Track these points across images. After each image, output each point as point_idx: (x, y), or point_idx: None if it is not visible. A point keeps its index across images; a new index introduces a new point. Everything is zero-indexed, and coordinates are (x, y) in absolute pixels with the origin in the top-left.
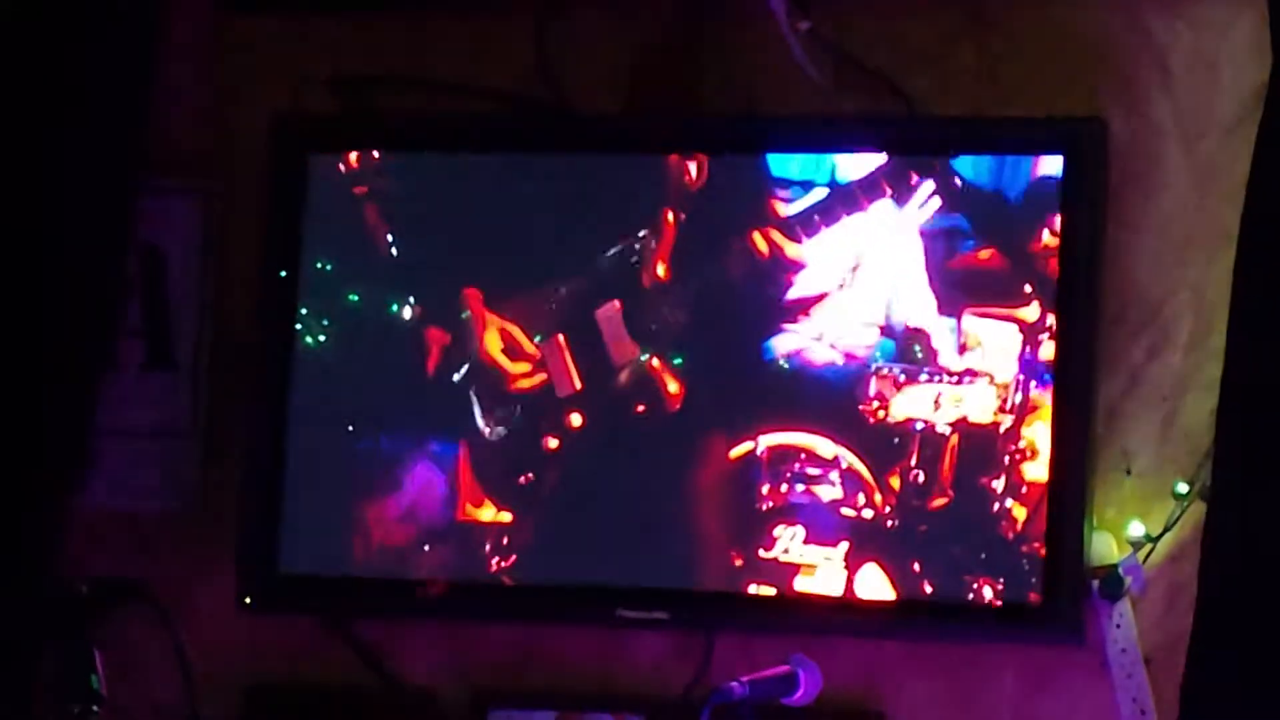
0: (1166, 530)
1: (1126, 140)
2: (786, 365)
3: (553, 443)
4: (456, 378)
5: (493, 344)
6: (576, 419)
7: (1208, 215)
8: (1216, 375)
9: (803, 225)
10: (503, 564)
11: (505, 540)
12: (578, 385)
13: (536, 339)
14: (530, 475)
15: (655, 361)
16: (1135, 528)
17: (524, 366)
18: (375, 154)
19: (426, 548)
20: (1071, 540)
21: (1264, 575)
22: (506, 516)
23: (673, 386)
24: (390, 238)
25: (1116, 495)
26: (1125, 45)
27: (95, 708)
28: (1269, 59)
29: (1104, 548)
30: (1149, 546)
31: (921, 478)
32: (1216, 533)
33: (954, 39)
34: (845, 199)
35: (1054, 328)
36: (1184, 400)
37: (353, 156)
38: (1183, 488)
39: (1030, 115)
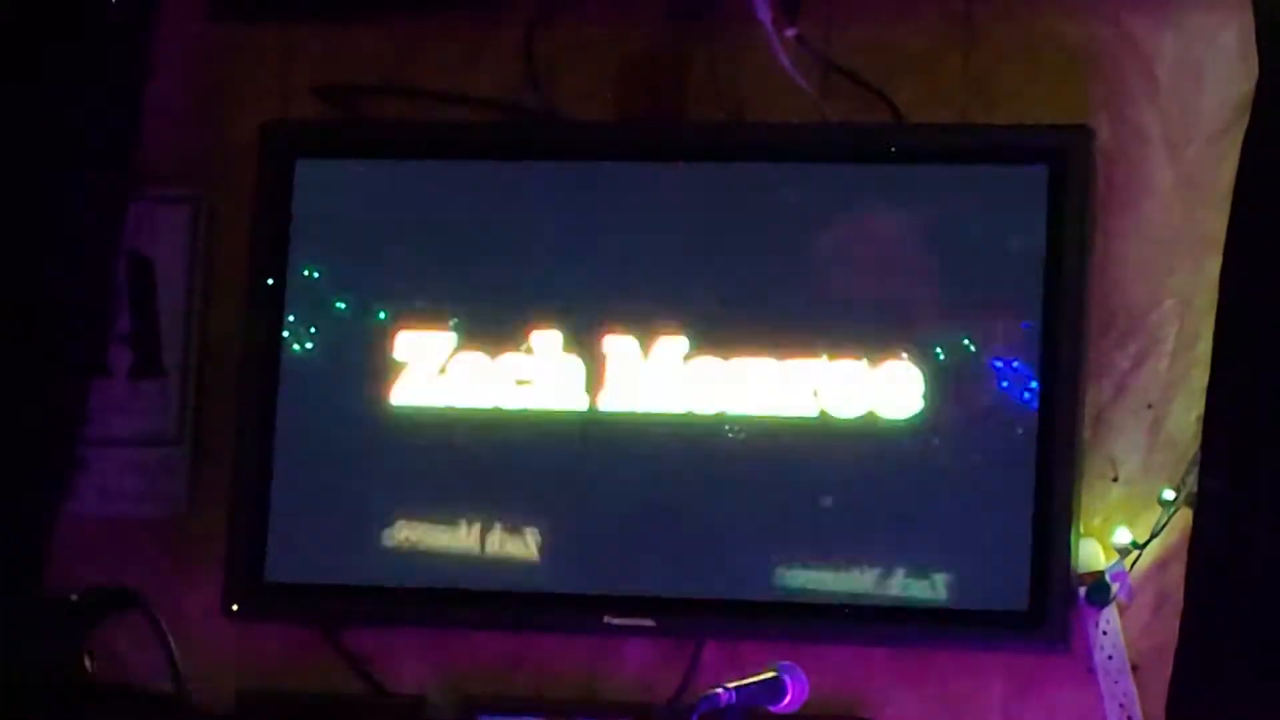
0: (1153, 537)
1: (1113, 148)
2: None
3: (541, 448)
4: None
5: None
6: (566, 424)
7: (1194, 222)
8: (1203, 382)
9: None
10: (492, 570)
11: (494, 547)
12: (570, 400)
13: (522, 348)
14: (518, 481)
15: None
16: (1122, 534)
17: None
18: (363, 162)
19: (411, 547)
20: (1058, 547)
21: (1250, 581)
22: (495, 522)
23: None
24: (378, 245)
25: (1103, 502)
26: (1112, 54)
27: None
28: (1255, 67)
29: (1091, 555)
30: (1135, 553)
31: (915, 474)
32: (1203, 539)
33: (941, 47)
34: None
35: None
36: (1170, 407)
37: (340, 164)
38: (1169, 494)
39: (1017, 123)
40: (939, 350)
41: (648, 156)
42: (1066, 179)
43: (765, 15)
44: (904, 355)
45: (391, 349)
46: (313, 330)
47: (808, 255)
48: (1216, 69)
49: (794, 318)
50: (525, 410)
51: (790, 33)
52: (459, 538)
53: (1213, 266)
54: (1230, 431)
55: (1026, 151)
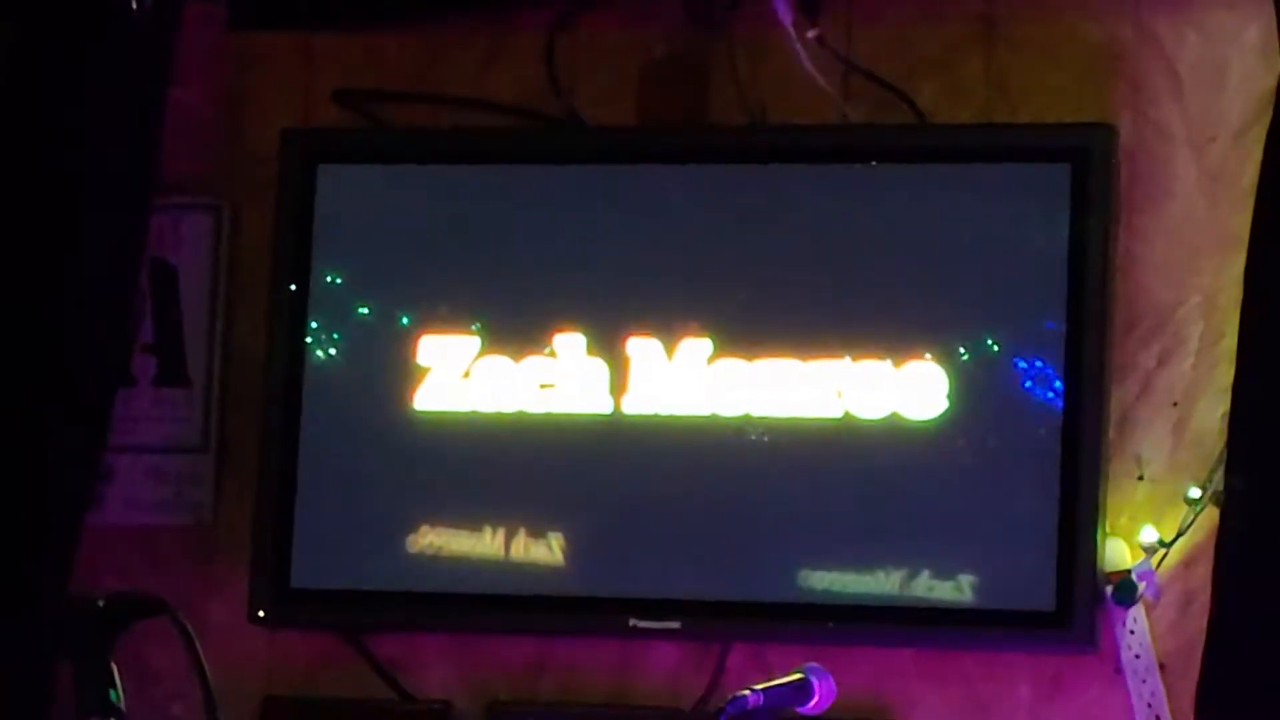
0: (1179, 535)
1: (1136, 146)
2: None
3: (565, 451)
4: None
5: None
6: (590, 429)
7: (1218, 220)
8: (1228, 380)
9: None
10: (517, 574)
11: (519, 552)
12: (594, 403)
13: (546, 351)
14: (542, 485)
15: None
16: (1148, 533)
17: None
18: (385, 167)
19: (436, 552)
20: (1084, 547)
21: (1277, 578)
22: (520, 526)
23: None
24: (400, 251)
25: (1129, 501)
26: (1134, 51)
27: None
28: (1277, 64)
29: (1117, 554)
30: (1162, 552)
31: (940, 475)
32: (1229, 537)
33: (963, 47)
34: None
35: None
36: (1196, 405)
37: (362, 170)
38: (1195, 493)
39: (1039, 122)
40: (963, 350)
41: (669, 159)
42: (1089, 177)
43: (786, 17)
44: (928, 356)
45: (415, 354)
46: (336, 336)
47: (830, 256)
48: (1239, 66)
49: (817, 319)
50: (549, 414)
51: (811, 34)
52: (484, 542)
53: (1237, 264)
54: (1256, 429)
55: (1049, 150)
